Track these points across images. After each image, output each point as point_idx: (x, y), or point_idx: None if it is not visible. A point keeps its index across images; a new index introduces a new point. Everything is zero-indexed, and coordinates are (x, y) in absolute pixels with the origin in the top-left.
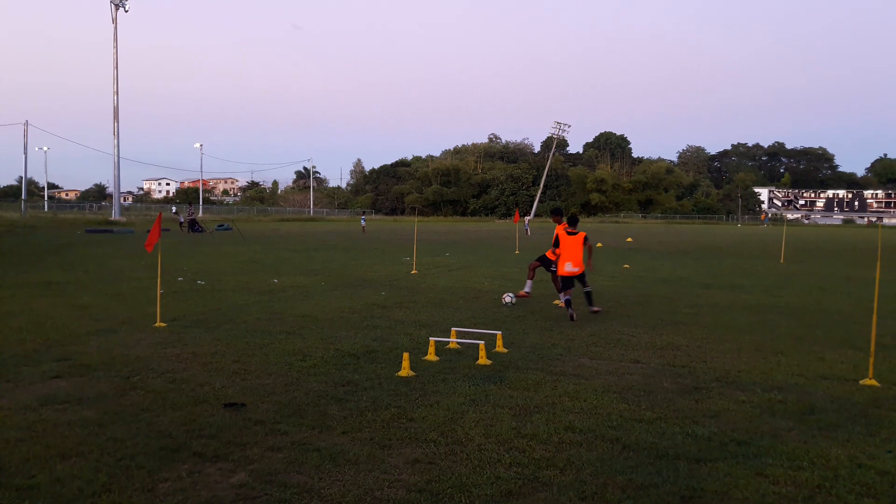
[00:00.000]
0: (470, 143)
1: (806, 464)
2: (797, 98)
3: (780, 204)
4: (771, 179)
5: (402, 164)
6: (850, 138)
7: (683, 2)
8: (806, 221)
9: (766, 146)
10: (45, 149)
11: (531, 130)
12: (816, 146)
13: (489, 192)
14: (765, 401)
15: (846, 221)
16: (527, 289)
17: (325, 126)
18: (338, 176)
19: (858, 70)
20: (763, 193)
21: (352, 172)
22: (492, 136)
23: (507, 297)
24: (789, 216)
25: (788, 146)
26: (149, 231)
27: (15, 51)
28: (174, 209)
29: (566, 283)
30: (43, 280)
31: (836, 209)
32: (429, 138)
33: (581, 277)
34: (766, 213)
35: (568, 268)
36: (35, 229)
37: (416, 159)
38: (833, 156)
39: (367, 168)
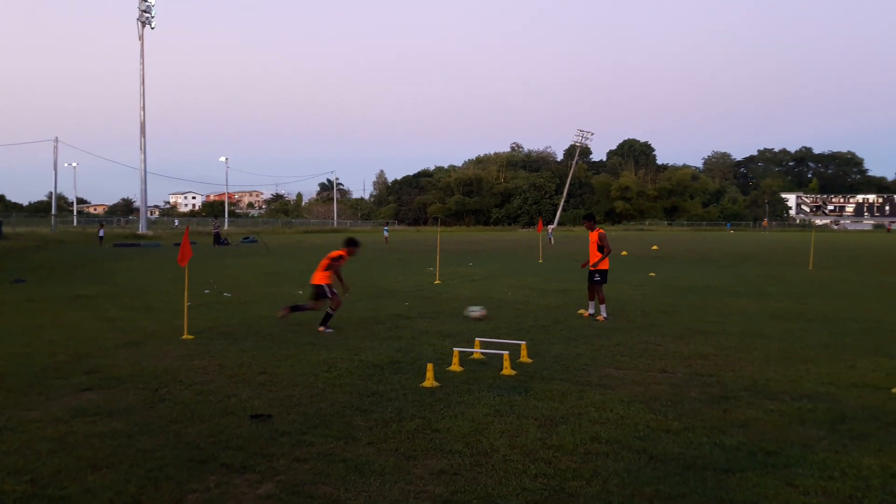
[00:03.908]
0: (492, 153)
1: (837, 474)
2: (824, 102)
3: (808, 209)
4: (798, 185)
5: (424, 174)
6: (880, 142)
7: (706, 7)
8: (835, 227)
9: (792, 151)
10: (74, 164)
11: (554, 139)
12: (845, 150)
13: (512, 202)
14: (794, 410)
15: (877, 227)
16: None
17: (348, 138)
18: (361, 187)
19: (887, 72)
20: (791, 199)
21: (374, 184)
22: (514, 146)
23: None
24: (818, 222)
25: (816, 151)
26: (178, 245)
27: (44, 68)
28: (217, 223)
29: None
30: (72, 293)
31: (866, 214)
32: (451, 148)
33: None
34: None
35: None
36: (64, 244)
37: (439, 170)
38: (862, 160)
39: (390, 179)
